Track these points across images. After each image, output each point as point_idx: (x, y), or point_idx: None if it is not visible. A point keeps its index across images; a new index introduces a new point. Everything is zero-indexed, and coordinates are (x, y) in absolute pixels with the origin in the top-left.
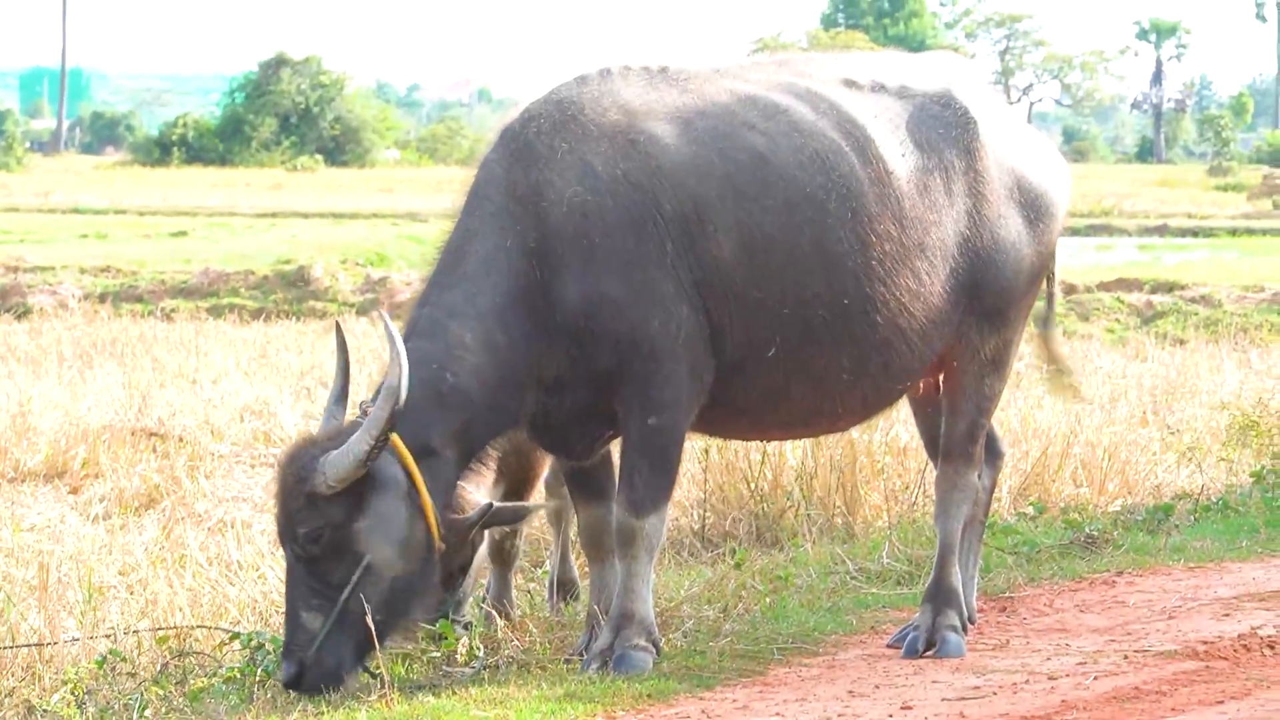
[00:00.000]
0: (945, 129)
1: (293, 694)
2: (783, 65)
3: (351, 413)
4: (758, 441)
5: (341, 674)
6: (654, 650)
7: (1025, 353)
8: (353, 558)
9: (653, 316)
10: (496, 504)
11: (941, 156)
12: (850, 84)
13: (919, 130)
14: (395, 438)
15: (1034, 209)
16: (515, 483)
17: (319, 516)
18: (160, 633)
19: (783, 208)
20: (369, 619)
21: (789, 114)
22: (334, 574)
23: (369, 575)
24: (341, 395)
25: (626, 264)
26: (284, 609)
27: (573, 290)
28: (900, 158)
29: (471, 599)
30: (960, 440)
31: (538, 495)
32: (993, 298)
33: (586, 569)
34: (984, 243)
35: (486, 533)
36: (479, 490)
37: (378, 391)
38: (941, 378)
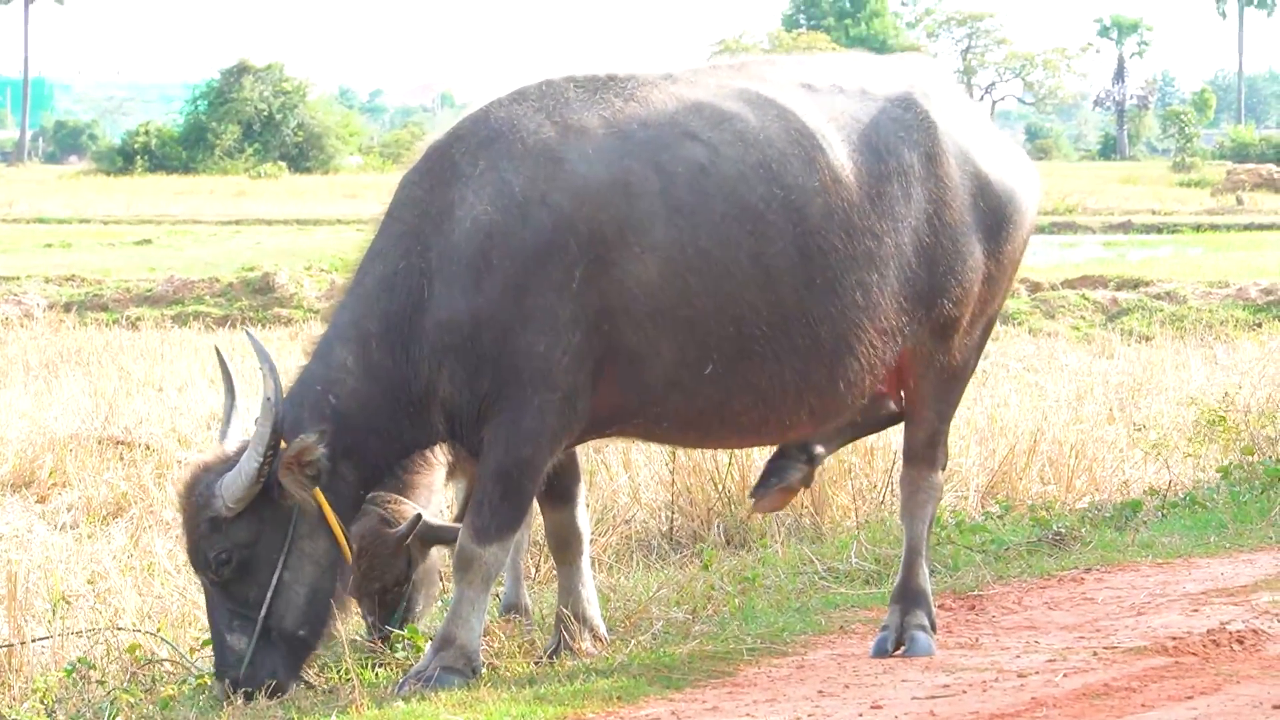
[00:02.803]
0: (905, 132)
1: (262, 701)
2: (740, 69)
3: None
4: (715, 449)
5: (277, 684)
6: (469, 675)
7: (990, 351)
8: (264, 576)
9: (538, 343)
10: (425, 516)
11: (900, 161)
12: (806, 88)
13: (876, 134)
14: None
15: (998, 216)
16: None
17: (225, 540)
18: (122, 632)
19: (720, 222)
20: (293, 631)
21: (734, 122)
22: (249, 593)
23: (282, 591)
24: (230, 416)
25: (520, 288)
26: (209, 632)
27: (462, 308)
28: (852, 164)
29: (438, 606)
30: (921, 446)
31: None
32: (952, 306)
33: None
34: (943, 250)
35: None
36: (424, 497)
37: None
38: (900, 386)
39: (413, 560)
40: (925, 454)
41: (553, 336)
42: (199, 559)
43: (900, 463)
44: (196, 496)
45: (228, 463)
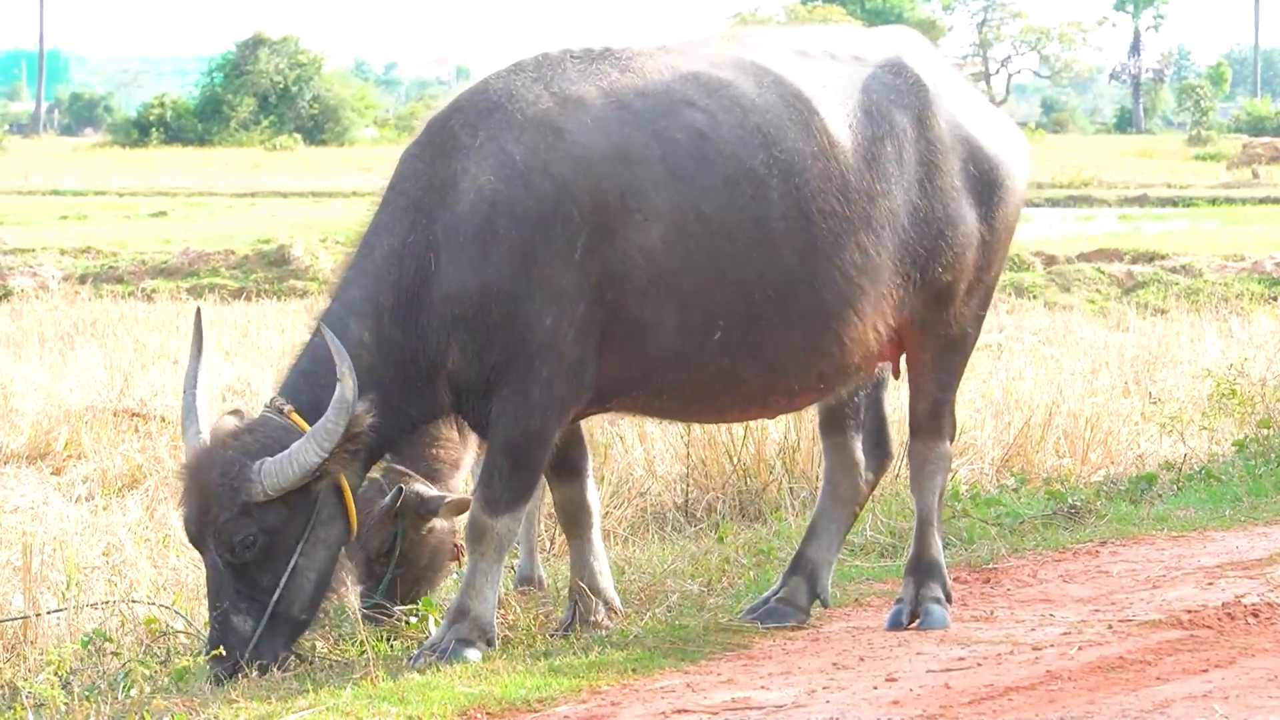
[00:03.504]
0: (897, 95)
1: (275, 673)
2: (733, 39)
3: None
4: (717, 424)
5: (273, 664)
6: (484, 646)
7: (1005, 324)
8: (282, 560)
9: (545, 313)
10: (407, 489)
11: (892, 124)
12: (800, 54)
13: (869, 98)
14: None
15: (989, 180)
16: None
17: (254, 524)
18: (137, 605)
19: (721, 186)
20: (297, 615)
21: (731, 89)
22: (263, 577)
23: (295, 576)
24: (196, 380)
25: (526, 258)
26: (207, 607)
27: (470, 279)
28: (847, 128)
29: (452, 579)
30: (925, 417)
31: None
32: (946, 271)
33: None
34: (935, 214)
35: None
36: (450, 475)
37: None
38: (904, 357)
39: (402, 533)
40: (930, 425)
41: (558, 307)
42: (220, 539)
43: (908, 436)
44: (228, 475)
45: (259, 441)
